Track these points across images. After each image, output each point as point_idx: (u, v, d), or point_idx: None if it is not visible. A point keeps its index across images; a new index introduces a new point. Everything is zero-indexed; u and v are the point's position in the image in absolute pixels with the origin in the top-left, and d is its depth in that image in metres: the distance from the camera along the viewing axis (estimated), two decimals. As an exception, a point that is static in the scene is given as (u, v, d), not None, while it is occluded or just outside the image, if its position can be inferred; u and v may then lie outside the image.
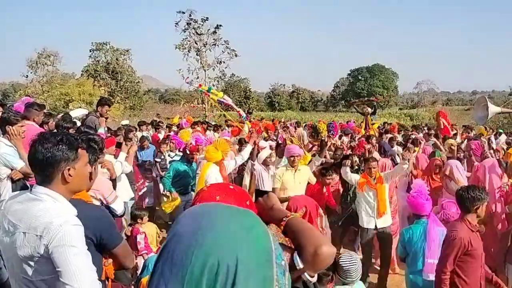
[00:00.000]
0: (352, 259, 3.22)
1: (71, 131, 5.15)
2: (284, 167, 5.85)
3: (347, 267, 3.16)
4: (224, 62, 23.51)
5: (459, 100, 66.51)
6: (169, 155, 8.16)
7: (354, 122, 18.41)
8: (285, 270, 0.99)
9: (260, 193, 6.00)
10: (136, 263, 4.67)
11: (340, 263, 3.20)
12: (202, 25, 23.18)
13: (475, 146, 7.93)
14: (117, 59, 33.45)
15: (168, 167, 7.06)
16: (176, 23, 22.97)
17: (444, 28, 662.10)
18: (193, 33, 23.02)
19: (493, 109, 10.48)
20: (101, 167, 4.07)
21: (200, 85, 8.71)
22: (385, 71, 59.58)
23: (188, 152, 6.55)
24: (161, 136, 11.33)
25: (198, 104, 23.58)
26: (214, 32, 23.24)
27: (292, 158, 5.64)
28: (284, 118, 25.40)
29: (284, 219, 1.38)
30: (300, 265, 1.26)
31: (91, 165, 2.15)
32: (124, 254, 2.36)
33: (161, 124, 12.90)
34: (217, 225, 0.91)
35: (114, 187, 3.97)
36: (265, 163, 6.52)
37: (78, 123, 6.61)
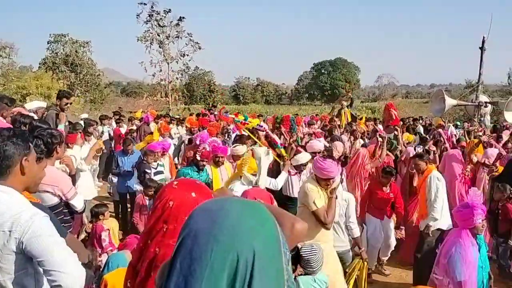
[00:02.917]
0: (313, 250, 3.31)
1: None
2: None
3: (308, 257, 3.26)
4: (187, 55, 23.19)
5: (418, 93, 68.50)
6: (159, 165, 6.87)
7: (317, 115, 18.66)
8: (288, 259, 1.02)
9: (287, 199, 5.92)
10: (101, 260, 4.58)
11: (302, 253, 3.28)
12: (165, 17, 22.75)
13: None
14: (76, 51, 32.38)
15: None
16: (138, 15, 22.47)
17: (403, 23, 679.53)
18: (156, 25, 22.56)
19: (449, 101, 10.90)
20: (60, 163, 3.95)
21: (237, 114, 7.79)
22: (347, 65, 60.65)
23: (198, 158, 5.82)
24: (123, 130, 11.13)
25: (161, 97, 23.21)
26: (177, 24, 22.84)
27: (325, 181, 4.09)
28: (249, 111, 25.47)
29: None
30: None
31: (39, 161, 2.12)
32: (73, 249, 2.29)
33: (123, 118, 12.66)
34: (232, 220, 0.92)
35: (74, 183, 3.86)
36: (299, 168, 6.00)
37: (35, 116, 6.36)
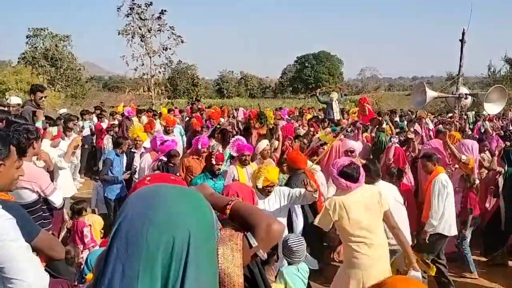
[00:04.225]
0: (300, 240, 3.40)
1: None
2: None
3: (296, 247, 3.34)
4: (170, 49, 23.02)
5: (400, 85, 69.14)
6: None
7: (301, 108, 18.70)
8: (217, 241, 1.09)
9: None
10: (82, 257, 4.52)
11: (289, 244, 3.35)
12: (146, 10, 22.54)
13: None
14: (56, 45, 31.83)
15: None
16: (118, 8, 22.20)
17: (386, 16, 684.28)
18: (137, 18, 22.32)
19: (430, 94, 11.01)
20: (37, 159, 3.88)
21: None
22: (331, 58, 60.79)
23: (214, 162, 5.23)
24: (104, 125, 11.00)
25: (144, 91, 23.00)
26: (159, 18, 22.63)
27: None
28: (233, 105, 25.38)
29: (229, 203, 1.42)
30: (256, 243, 1.32)
31: (19, 158, 2.09)
32: (48, 246, 2.25)
33: (104, 113, 12.50)
34: (167, 203, 0.94)
35: (52, 179, 3.80)
36: (262, 155, 6.00)
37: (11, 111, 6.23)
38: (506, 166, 5.85)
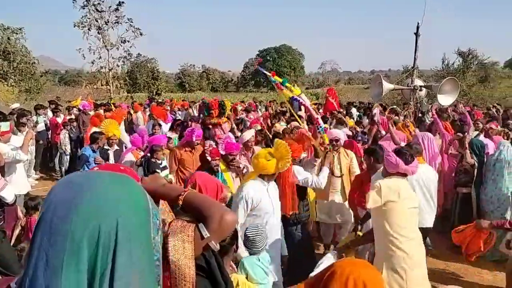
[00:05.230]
0: (259, 230, 3.36)
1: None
2: None
3: (254, 237, 3.31)
4: (128, 41, 22.48)
5: (359, 79, 70.48)
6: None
7: (261, 102, 18.80)
8: (159, 229, 1.02)
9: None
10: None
11: (247, 233, 3.34)
12: (103, 1, 21.89)
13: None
14: (8, 38, 30.39)
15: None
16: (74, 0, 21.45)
17: (345, 10, 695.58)
18: (93, 10, 21.64)
19: (387, 86, 11.30)
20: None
21: (274, 74, 6.04)
22: (292, 51, 61.23)
23: (209, 158, 4.92)
24: (59, 120, 10.66)
25: (102, 85, 22.40)
26: (116, 9, 22.01)
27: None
28: (195, 99, 25.13)
29: (182, 193, 1.39)
30: (208, 234, 1.30)
31: None
32: None
33: (59, 107, 12.10)
34: (95, 190, 0.90)
35: (3, 174, 3.65)
36: (246, 146, 5.88)
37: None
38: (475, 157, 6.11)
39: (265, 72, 7.11)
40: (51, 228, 0.86)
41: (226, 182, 5.00)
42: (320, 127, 5.41)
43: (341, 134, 5.94)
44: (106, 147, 6.60)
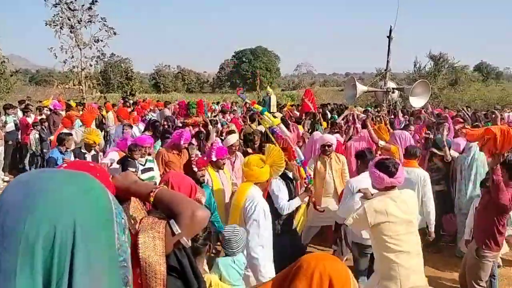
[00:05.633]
0: (235, 231, 3.32)
1: None
2: None
3: (230, 237, 3.26)
4: (102, 41, 22.09)
5: (334, 81, 71.32)
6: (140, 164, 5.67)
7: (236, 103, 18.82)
8: (125, 228, 0.99)
9: None
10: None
11: (223, 233, 3.30)
12: (76, 0, 21.45)
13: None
14: (-24, 36, 29.61)
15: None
16: (45, -3, 20.94)
17: (321, 14, 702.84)
18: (65, 9, 21.17)
19: (360, 88, 11.46)
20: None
21: (254, 103, 5.67)
22: (268, 53, 61.46)
23: (196, 169, 4.70)
24: (30, 120, 10.43)
25: (74, 85, 21.93)
26: (89, 8, 21.58)
27: None
28: (169, 99, 24.92)
29: (153, 190, 1.39)
30: (178, 230, 1.30)
31: None
32: None
33: (30, 107, 11.82)
34: (49, 189, 0.86)
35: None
36: (230, 150, 5.75)
37: None
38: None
39: (246, 100, 7.84)
40: (3, 231, 0.82)
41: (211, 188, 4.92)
42: (298, 159, 5.10)
43: (334, 139, 5.97)
44: (83, 150, 6.42)
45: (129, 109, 12.83)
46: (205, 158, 5.15)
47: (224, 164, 5.24)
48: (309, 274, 1.41)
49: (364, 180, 4.20)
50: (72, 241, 0.83)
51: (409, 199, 3.45)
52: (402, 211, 3.31)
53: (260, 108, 5.82)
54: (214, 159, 5.11)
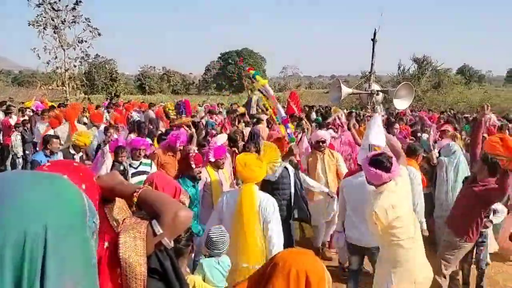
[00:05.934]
0: (222, 232, 3.32)
1: None
2: None
3: (216, 239, 3.26)
4: (86, 41, 21.82)
5: (319, 83, 71.80)
6: (131, 165, 5.52)
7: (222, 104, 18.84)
8: (94, 232, 0.97)
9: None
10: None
11: (210, 234, 3.28)
12: (60, 0, 21.16)
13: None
14: (-44, 35, 29.07)
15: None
16: (28, -3, 20.63)
17: (305, 16, 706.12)
18: (49, 9, 20.87)
19: (345, 90, 11.49)
20: None
21: (250, 69, 5.78)
22: (254, 55, 61.58)
23: (193, 166, 4.59)
24: (12, 121, 10.25)
25: (58, 86, 21.61)
26: (74, 9, 21.27)
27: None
28: (155, 101, 24.77)
29: (137, 190, 1.39)
30: (160, 230, 1.29)
31: None
32: None
33: (12, 108, 11.62)
34: (17, 194, 0.82)
35: None
36: None
37: None
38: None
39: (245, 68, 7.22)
40: None
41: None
42: (278, 117, 5.19)
43: (327, 135, 6.01)
44: (71, 151, 6.33)
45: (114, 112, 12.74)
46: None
47: (223, 163, 5.19)
48: (285, 272, 1.42)
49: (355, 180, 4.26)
50: (44, 245, 0.80)
51: (402, 186, 3.51)
52: (402, 198, 3.41)
53: (253, 72, 5.98)
54: (212, 159, 5.10)
